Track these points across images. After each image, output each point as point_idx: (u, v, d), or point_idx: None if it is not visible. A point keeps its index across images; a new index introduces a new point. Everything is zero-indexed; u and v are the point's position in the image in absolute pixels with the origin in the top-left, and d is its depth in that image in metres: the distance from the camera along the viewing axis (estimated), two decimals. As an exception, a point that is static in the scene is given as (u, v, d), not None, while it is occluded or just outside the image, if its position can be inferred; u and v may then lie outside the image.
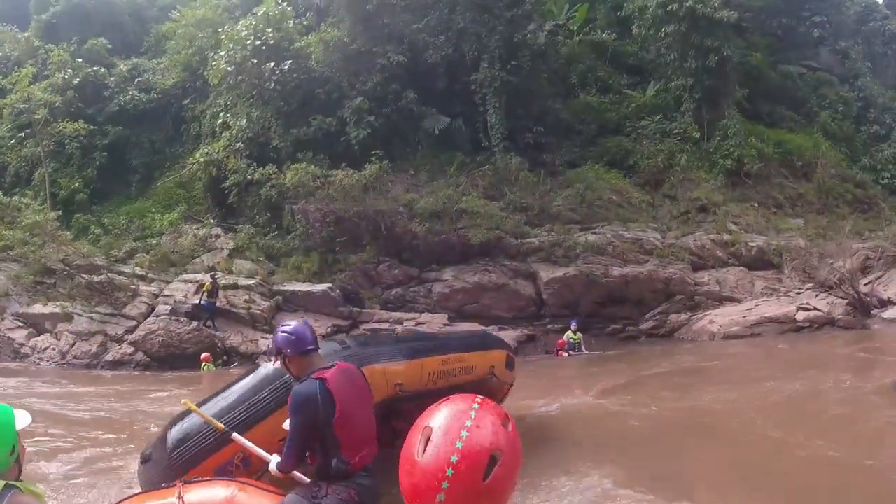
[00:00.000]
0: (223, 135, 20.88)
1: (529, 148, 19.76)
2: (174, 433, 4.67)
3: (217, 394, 5.10)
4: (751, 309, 17.13)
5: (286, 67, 19.46)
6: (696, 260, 18.39)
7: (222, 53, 20.19)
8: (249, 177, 18.85)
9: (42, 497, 2.16)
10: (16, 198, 20.62)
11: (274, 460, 3.41)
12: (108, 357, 16.02)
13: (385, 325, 16.51)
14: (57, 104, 22.28)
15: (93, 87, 23.89)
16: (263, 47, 19.57)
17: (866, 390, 9.50)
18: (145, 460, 4.80)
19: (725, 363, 13.62)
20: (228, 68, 19.90)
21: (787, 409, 8.73)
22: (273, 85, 19.55)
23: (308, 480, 3.28)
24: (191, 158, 21.20)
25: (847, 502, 5.63)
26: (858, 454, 6.53)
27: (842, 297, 16.98)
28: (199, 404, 4.70)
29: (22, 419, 2.18)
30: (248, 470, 4.28)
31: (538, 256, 17.57)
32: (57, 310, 17.06)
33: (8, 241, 18.58)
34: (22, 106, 22.58)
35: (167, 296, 17.33)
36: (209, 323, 16.41)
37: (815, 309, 16.59)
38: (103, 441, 8.44)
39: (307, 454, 3.17)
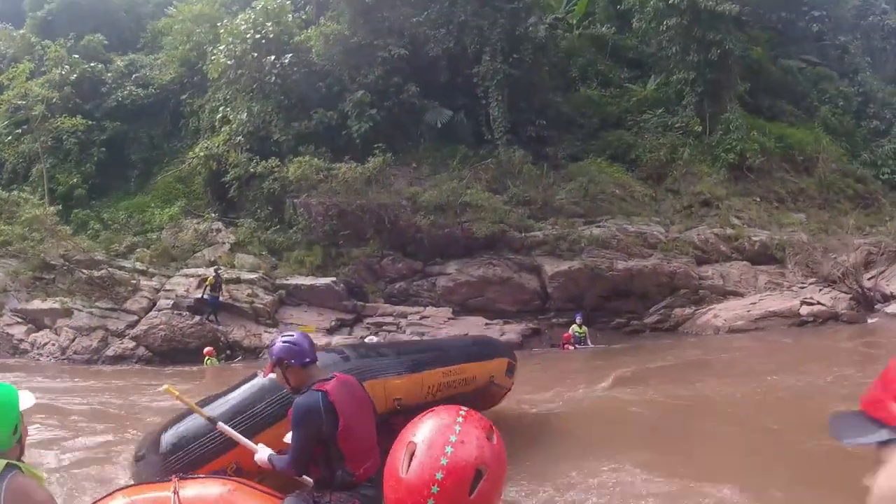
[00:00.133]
0: (223, 129, 20.73)
1: (532, 141, 19.71)
2: (168, 437, 4.58)
3: (212, 400, 4.90)
4: (755, 303, 17.11)
5: (287, 61, 19.34)
6: (700, 254, 18.36)
7: (221, 47, 20.04)
8: (252, 170, 18.70)
9: (42, 480, 2.13)
10: (14, 192, 20.40)
11: (261, 451, 3.35)
12: (109, 352, 15.87)
13: (389, 319, 16.43)
14: (54, 100, 22.10)
15: (90, 83, 23.72)
16: (263, 41, 19.43)
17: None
18: (139, 459, 4.75)
19: (732, 356, 13.59)
20: (228, 62, 19.76)
21: (796, 402, 8.70)
22: (274, 78, 19.43)
23: (311, 482, 3.21)
24: (190, 153, 21.03)
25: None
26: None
27: (845, 292, 16.99)
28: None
29: (26, 400, 2.17)
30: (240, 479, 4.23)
31: (542, 250, 17.49)
32: (56, 305, 16.88)
33: (6, 237, 18.39)
34: (19, 102, 22.40)
35: (168, 290, 17.18)
36: (212, 317, 16.28)
37: (818, 303, 16.57)
38: (101, 432, 8.42)
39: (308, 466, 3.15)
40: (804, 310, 16.44)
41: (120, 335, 16.25)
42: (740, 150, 20.69)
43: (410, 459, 1.15)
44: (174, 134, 23.90)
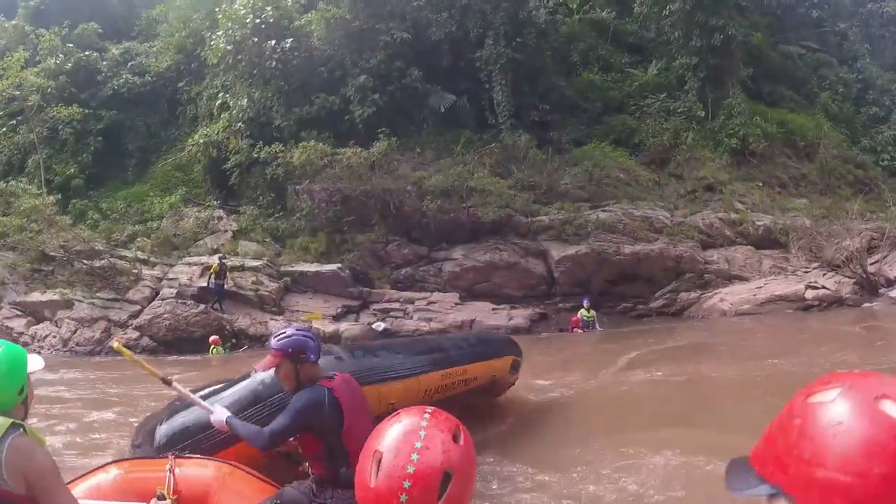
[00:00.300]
0: (222, 116, 20.49)
1: (535, 125, 19.60)
2: (164, 430, 4.52)
3: (210, 395, 4.72)
4: (760, 287, 17.12)
5: (287, 46, 19.09)
6: (706, 238, 18.35)
7: (220, 33, 19.78)
8: (255, 155, 18.47)
9: (44, 443, 2.15)
10: (12, 183, 20.07)
11: (218, 412, 3.25)
12: (112, 343, 15.63)
13: (396, 305, 16.30)
14: (49, 89, 21.81)
15: (85, 72, 23.38)
16: (263, 25, 19.18)
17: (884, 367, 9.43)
18: (136, 447, 4.73)
19: (741, 338, 13.60)
20: (227, 47, 19.49)
21: (804, 383, 8.64)
22: (274, 63, 19.17)
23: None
24: (189, 140, 20.75)
25: None
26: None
27: (849, 277, 17.02)
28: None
29: (34, 363, 2.20)
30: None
31: (549, 234, 17.38)
32: (56, 297, 16.63)
33: (4, 228, 18.06)
34: (14, 92, 22.08)
35: (171, 279, 16.95)
36: (217, 305, 16.07)
37: (823, 287, 16.59)
38: (101, 420, 8.31)
39: (308, 464, 3.13)
40: (809, 294, 16.48)
41: (123, 325, 16.03)
42: (743, 136, 20.66)
43: (378, 468, 1.15)
44: (172, 122, 23.62)
